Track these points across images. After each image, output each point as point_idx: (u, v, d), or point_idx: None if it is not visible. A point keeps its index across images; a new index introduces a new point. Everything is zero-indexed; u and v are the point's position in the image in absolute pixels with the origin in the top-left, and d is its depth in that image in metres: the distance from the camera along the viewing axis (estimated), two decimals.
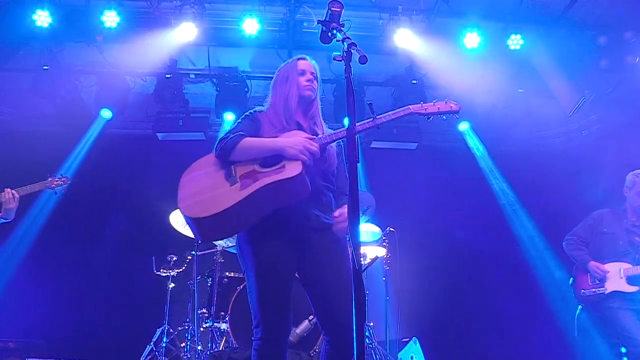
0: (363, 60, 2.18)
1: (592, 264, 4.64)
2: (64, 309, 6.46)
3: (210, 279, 5.39)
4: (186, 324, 5.28)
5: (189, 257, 5.52)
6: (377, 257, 5.52)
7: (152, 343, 5.35)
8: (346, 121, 2.28)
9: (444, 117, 2.87)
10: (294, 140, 2.68)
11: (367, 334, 4.99)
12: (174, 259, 5.54)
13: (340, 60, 2.26)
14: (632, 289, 4.48)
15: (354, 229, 2.05)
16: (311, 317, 4.65)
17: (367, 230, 5.64)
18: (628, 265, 4.54)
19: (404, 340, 5.77)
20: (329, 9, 2.44)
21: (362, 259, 3.05)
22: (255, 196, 2.58)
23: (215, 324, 5.11)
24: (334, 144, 2.84)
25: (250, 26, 5.83)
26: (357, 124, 2.71)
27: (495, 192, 7.39)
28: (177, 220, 5.46)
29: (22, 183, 4.78)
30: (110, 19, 5.71)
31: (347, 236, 2.81)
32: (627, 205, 4.75)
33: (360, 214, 3.11)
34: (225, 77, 6.77)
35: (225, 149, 2.74)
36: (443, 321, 6.87)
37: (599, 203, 5.27)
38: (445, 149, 7.60)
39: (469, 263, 7.17)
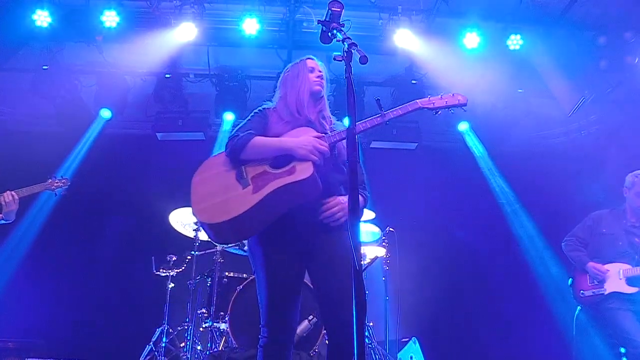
0: (364, 60, 2.18)
1: (591, 264, 4.63)
2: (63, 309, 6.46)
3: (209, 279, 5.39)
4: (186, 324, 5.27)
5: (189, 257, 5.51)
6: (376, 257, 5.52)
7: (151, 343, 5.35)
8: (346, 121, 2.28)
9: (452, 110, 2.87)
10: (304, 140, 2.67)
11: (366, 333, 4.99)
12: (174, 259, 5.53)
13: (341, 60, 2.26)
14: (631, 290, 4.48)
15: (354, 228, 2.05)
16: (311, 317, 4.65)
17: (367, 230, 5.64)
18: (627, 266, 4.53)
19: (404, 340, 5.77)
20: (329, 9, 2.45)
21: (361, 259, 3.03)
22: (268, 199, 2.59)
23: (214, 324, 5.10)
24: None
25: (250, 26, 5.83)
26: (365, 120, 2.73)
27: (494, 192, 7.39)
28: (177, 220, 5.46)
29: (21, 183, 4.78)
30: (110, 18, 5.72)
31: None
32: (627, 206, 4.75)
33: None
34: (224, 77, 6.77)
35: (235, 149, 2.74)
36: (442, 321, 6.87)
37: (598, 203, 5.27)
38: (445, 149, 7.60)
39: (469, 263, 7.17)
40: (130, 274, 6.48)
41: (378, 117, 2.73)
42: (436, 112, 2.86)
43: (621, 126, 6.57)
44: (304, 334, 4.63)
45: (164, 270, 5.53)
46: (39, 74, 6.29)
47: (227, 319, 4.89)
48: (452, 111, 2.89)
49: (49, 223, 6.65)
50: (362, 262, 3.00)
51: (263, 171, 2.68)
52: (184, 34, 5.93)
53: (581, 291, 4.69)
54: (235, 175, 2.71)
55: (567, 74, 6.35)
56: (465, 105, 2.89)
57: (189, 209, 5.30)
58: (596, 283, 4.61)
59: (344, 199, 2.71)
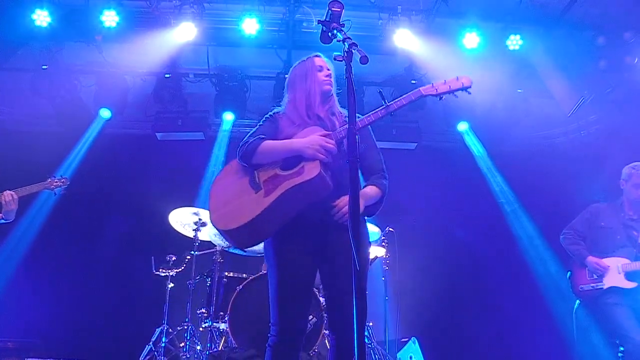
0: (364, 60, 2.18)
1: (591, 259, 4.62)
2: (63, 309, 6.45)
3: (209, 279, 5.39)
4: (185, 323, 5.27)
5: (188, 257, 5.51)
6: (376, 257, 5.52)
7: (151, 343, 5.34)
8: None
9: (456, 95, 2.78)
10: (310, 140, 2.67)
11: (366, 333, 4.99)
12: (173, 258, 5.53)
13: (341, 61, 2.26)
14: (630, 284, 4.48)
15: (354, 228, 2.05)
16: (310, 317, 4.65)
17: (368, 227, 5.63)
18: (626, 261, 4.52)
19: (403, 340, 5.77)
20: (329, 9, 2.45)
21: (369, 259, 3.02)
22: (279, 201, 2.61)
23: (214, 323, 5.10)
24: None
25: (250, 26, 5.83)
26: (370, 114, 2.71)
27: (494, 192, 7.39)
28: (177, 220, 5.46)
29: (21, 183, 4.78)
30: (110, 18, 5.72)
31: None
32: (624, 199, 4.72)
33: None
34: (224, 77, 6.77)
35: (246, 154, 2.76)
36: (442, 321, 6.87)
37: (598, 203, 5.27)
38: (445, 149, 7.60)
39: (468, 263, 7.17)
40: (129, 273, 6.48)
41: (382, 108, 2.71)
42: (440, 98, 2.79)
43: (621, 126, 6.57)
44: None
45: (164, 270, 5.53)
46: (39, 73, 6.29)
47: (226, 319, 4.89)
48: (457, 96, 2.79)
49: (49, 223, 6.64)
50: (368, 264, 2.96)
51: (274, 174, 2.70)
52: (183, 33, 5.93)
53: (580, 286, 4.69)
54: (248, 181, 2.75)
55: (566, 74, 6.36)
56: (469, 87, 2.78)
57: (189, 209, 5.37)
58: (595, 277, 4.60)
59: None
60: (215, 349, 4.99)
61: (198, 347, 5.27)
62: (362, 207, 2.73)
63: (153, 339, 5.35)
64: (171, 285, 5.56)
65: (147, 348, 5.32)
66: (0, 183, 4.35)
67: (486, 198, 7.36)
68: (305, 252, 2.72)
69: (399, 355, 5.59)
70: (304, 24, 6.12)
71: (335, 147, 2.66)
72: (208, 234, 5.46)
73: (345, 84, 2.23)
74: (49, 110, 6.69)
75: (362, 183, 2.88)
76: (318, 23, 2.46)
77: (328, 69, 2.97)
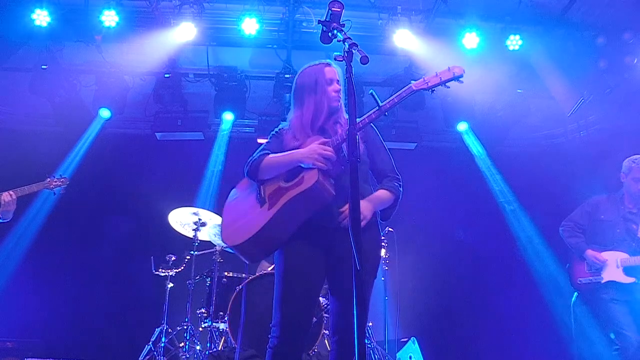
0: (364, 60, 2.18)
1: (590, 252, 4.62)
2: (62, 309, 6.45)
3: (209, 279, 5.39)
4: (185, 323, 5.27)
5: (188, 257, 5.51)
6: None
7: (150, 343, 5.34)
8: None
9: (447, 85, 2.74)
10: (308, 149, 2.69)
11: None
12: (173, 258, 5.53)
13: (341, 61, 2.26)
14: (628, 280, 4.48)
15: (355, 230, 2.05)
16: None
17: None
18: (625, 255, 4.53)
19: (403, 340, 5.77)
20: (329, 9, 2.44)
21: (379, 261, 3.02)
22: (281, 213, 2.66)
23: (214, 323, 5.10)
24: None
25: (250, 26, 5.83)
26: (364, 117, 2.71)
27: (494, 192, 7.39)
28: (176, 220, 5.46)
29: (20, 182, 4.78)
30: (109, 18, 5.71)
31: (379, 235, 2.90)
32: (624, 192, 4.71)
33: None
34: (224, 76, 6.76)
35: (251, 171, 2.82)
36: (441, 321, 6.87)
37: None
38: (444, 149, 7.61)
39: (468, 263, 7.17)
40: (129, 273, 6.48)
41: (375, 110, 2.71)
42: (432, 91, 2.75)
43: (621, 126, 6.57)
44: None
45: (163, 270, 5.53)
46: (38, 73, 6.28)
47: (226, 319, 4.89)
48: (449, 86, 2.75)
49: (48, 223, 6.64)
50: (379, 264, 2.95)
51: (277, 187, 2.75)
52: (183, 33, 5.93)
53: (578, 279, 4.69)
54: (255, 196, 2.81)
55: (566, 75, 6.35)
56: (461, 76, 2.73)
57: (188, 209, 5.38)
58: (593, 271, 4.61)
59: (363, 202, 2.70)
60: (214, 349, 4.99)
61: (198, 347, 5.27)
62: (371, 213, 2.78)
63: (153, 339, 5.35)
64: (171, 285, 5.56)
65: (147, 348, 5.32)
66: None
67: (486, 198, 7.36)
68: (314, 255, 2.74)
69: (398, 355, 5.58)
70: (304, 24, 6.12)
71: (333, 154, 2.67)
72: (207, 233, 5.46)
73: (345, 83, 2.22)
74: (48, 110, 6.68)
75: (374, 185, 2.90)
76: (318, 23, 2.46)
77: (338, 82, 2.89)
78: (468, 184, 7.34)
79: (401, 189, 2.92)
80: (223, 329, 5.07)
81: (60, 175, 5.04)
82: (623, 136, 6.27)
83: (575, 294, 4.79)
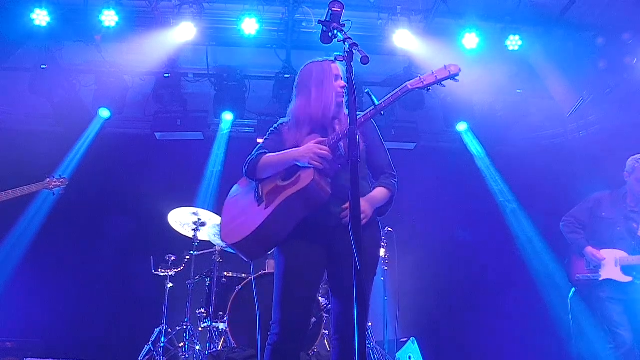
0: (365, 60, 2.18)
1: (589, 249, 4.63)
2: (62, 309, 6.44)
3: (208, 279, 5.39)
4: (184, 323, 5.27)
5: (187, 257, 5.51)
6: None
7: (150, 343, 5.33)
8: None
9: (443, 84, 2.72)
10: (305, 148, 2.70)
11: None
12: (172, 258, 5.53)
13: (342, 61, 2.26)
14: (626, 279, 4.49)
15: (355, 228, 2.05)
16: None
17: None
18: (624, 254, 4.53)
19: (402, 340, 5.77)
20: (329, 9, 2.45)
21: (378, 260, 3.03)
22: (278, 211, 2.67)
23: (213, 323, 5.10)
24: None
25: (249, 26, 5.83)
26: (359, 116, 2.70)
27: (493, 192, 7.39)
28: (176, 220, 5.46)
29: (19, 182, 4.79)
30: (109, 18, 5.71)
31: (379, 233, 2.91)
32: (627, 190, 4.71)
33: None
34: (223, 76, 6.77)
35: (249, 171, 2.83)
36: (441, 321, 6.87)
37: None
38: (444, 149, 7.61)
39: (468, 263, 7.17)
40: (128, 273, 6.47)
41: (372, 109, 2.70)
42: (427, 90, 2.73)
43: (620, 126, 6.58)
44: None
45: (163, 270, 5.52)
46: (38, 73, 6.28)
47: (226, 318, 4.89)
48: (444, 85, 2.73)
49: (48, 222, 6.63)
50: (378, 262, 2.96)
51: (275, 186, 2.76)
52: (183, 33, 5.93)
53: (576, 275, 4.70)
54: (253, 195, 2.82)
55: (565, 75, 6.36)
56: (457, 75, 2.71)
57: (188, 209, 5.37)
58: (592, 268, 4.61)
59: (363, 201, 2.70)
60: (214, 349, 4.99)
61: (197, 347, 5.27)
62: (372, 210, 2.79)
63: (152, 339, 5.34)
64: (170, 285, 5.56)
65: (146, 348, 5.31)
66: None
67: (485, 198, 7.36)
68: (313, 254, 2.75)
69: (398, 355, 5.58)
70: (304, 24, 6.12)
71: (329, 153, 2.67)
72: (207, 233, 5.46)
73: (346, 83, 2.22)
74: (48, 110, 6.68)
75: (371, 182, 2.91)
76: (319, 23, 2.46)
77: (341, 78, 2.89)
78: (467, 184, 7.34)
79: (397, 186, 2.93)
80: (222, 329, 5.07)
81: (60, 176, 5.04)
82: (623, 136, 6.28)
83: (573, 289, 4.80)
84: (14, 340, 5.74)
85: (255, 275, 4.88)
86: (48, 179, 4.85)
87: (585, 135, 7.43)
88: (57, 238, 6.71)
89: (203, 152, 7.18)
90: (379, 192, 2.86)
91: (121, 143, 7.11)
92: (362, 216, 2.69)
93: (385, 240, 5.62)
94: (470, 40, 5.95)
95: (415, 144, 7.28)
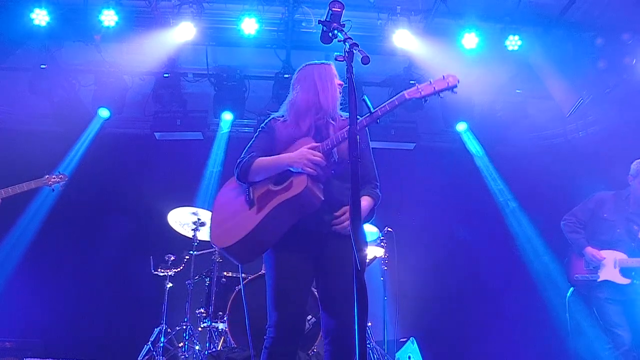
0: (365, 60, 2.18)
1: (589, 249, 4.63)
2: (61, 309, 6.44)
3: (208, 279, 5.39)
4: (184, 323, 5.27)
5: (187, 257, 5.50)
6: (375, 257, 5.53)
7: (149, 343, 5.32)
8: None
9: (441, 95, 2.72)
10: (298, 154, 2.69)
11: None
12: (172, 258, 5.52)
13: (342, 61, 2.26)
14: (624, 281, 4.50)
15: (356, 228, 2.05)
16: (309, 317, 4.65)
17: (366, 230, 5.63)
18: (623, 256, 4.54)
19: (402, 340, 5.77)
20: (329, 9, 2.44)
21: (365, 262, 3.03)
22: (269, 217, 2.66)
23: (213, 323, 5.10)
24: None
25: (249, 26, 5.83)
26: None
27: (493, 192, 7.39)
28: (175, 220, 5.46)
29: (19, 182, 4.78)
30: (109, 18, 5.71)
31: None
32: (631, 193, 4.71)
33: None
34: (223, 76, 6.77)
35: (240, 174, 2.82)
36: (440, 321, 6.87)
37: None
38: (443, 149, 7.61)
39: (467, 263, 7.17)
40: (128, 273, 6.47)
41: (368, 116, 2.70)
42: (425, 101, 2.73)
43: (619, 127, 6.59)
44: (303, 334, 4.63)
45: (162, 270, 5.52)
46: (37, 73, 6.28)
47: (225, 318, 4.88)
48: (441, 96, 2.73)
49: (47, 222, 6.63)
50: (365, 265, 2.97)
51: (266, 190, 2.75)
52: (182, 33, 5.93)
53: (575, 274, 4.70)
54: (244, 198, 2.81)
55: (565, 75, 6.37)
56: (455, 87, 2.72)
57: (187, 209, 5.37)
58: (591, 268, 4.62)
59: None
60: (214, 349, 4.99)
61: (197, 347, 5.26)
62: (363, 217, 2.76)
63: (152, 339, 5.34)
64: (170, 285, 5.55)
65: (146, 348, 5.31)
66: None
67: (485, 198, 7.36)
68: (303, 255, 2.75)
69: (397, 355, 5.58)
70: (303, 24, 6.12)
71: (323, 159, 2.67)
72: (207, 233, 5.45)
73: (347, 84, 2.23)
74: (47, 110, 6.68)
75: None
76: (319, 23, 2.46)
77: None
78: (467, 184, 7.35)
79: (380, 198, 2.93)
80: (222, 329, 5.06)
81: (59, 172, 5.03)
82: (622, 136, 6.29)
83: (571, 289, 4.81)
84: (13, 340, 5.73)
85: (253, 276, 4.90)
86: (47, 176, 4.84)
87: (585, 135, 7.44)
88: (56, 238, 6.71)
89: (203, 152, 7.18)
90: (365, 200, 2.84)
91: (121, 143, 7.11)
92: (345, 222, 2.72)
93: (384, 240, 5.63)
94: (470, 40, 5.95)
95: (414, 144, 7.29)
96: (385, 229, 5.64)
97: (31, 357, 5.50)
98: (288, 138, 2.83)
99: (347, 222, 2.70)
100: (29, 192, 5.00)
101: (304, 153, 2.67)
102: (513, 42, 6.04)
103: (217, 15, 6.09)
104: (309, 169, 2.64)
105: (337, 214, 2.73)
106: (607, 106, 6.64)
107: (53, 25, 5.76)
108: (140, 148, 7.20)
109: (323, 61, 2.98)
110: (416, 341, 5.59)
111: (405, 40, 6.01)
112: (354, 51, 2.22)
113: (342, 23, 2.45)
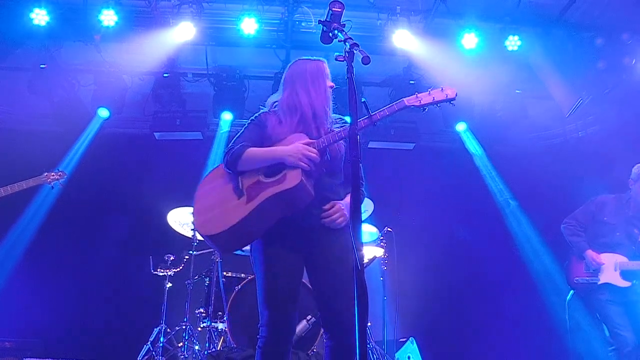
0: (366, 60, 2.18)
1: (590, 253, 4.63)
2: (61, 309, 6.44)
3: (207, 279, 5.39)
4: (184, 323, 5.27)
5: (187, 257, 5.50)
6: (374, 257, 5.53)
7: (149, 343, 5.33)
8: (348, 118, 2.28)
9: (438, 106, 2.76)
10: (293, 148, 2.69)
11: None
12: (172, 258, 5.52)
13: (342, 61, 2.26)
14: (625, 284, 4.50)
15: (356, 228, 2.06)
16: (309, 317, 4.66)
17: (365, 230, 5.64)
18: (623, 259, 4.54)
19: (401, 340, 5.77)
20: (329, 9, 2.45)
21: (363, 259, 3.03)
22: (260, 208, 2.64)
23: (212, 323, 5.10)
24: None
25: (249, 26, 5.83)
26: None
27: (492, 192, 7.40)
28: (175, 220, 5.46)
29: (18, 181, 4.78)
30: (108, 17, 5.70)
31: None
32: (631, 197, 4.72)
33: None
34: (223, 76, 6.77)
35: (230, 162, 2.78)
36: (440, 321, 6.87)
37: None
38: (443, 149, 7.61)
39: (467, 263, 7.17)
40: (128, 273, 6.47)
41: (366, 119, 2.70)
42: (423, 110, 2.76)
43: (619, 127, 6.59)
44: (302, 334, 4.64)
45: (162, 270, 5.52)
46: (37, 72, 6.27)
47: (225, 318, 4.89)
48: (439, 106, 2.76)
49: (47, 222, 6.63)
50: (364, 263, 2.97)
51: (257, 181, 2.73)
52: (182, 33, 5.92)
53: (575, 277, 4.70)
54: (232, 187, 2.77)
55: (565, 75, 6.37)
56: (453, 99, 2.75)
57: (187, 209, 5.37)
58: (591, 271, 4.62)
59: (343, 203, 2.77)
60: (213, 349, 4.98)
61: (196, 347, 5.26)
62: (348, 215, 2.76)
63: (151, 339, 5.34)
64: (169, 285, 5.55)
65: (145, 348, 5.31)
66: None
67: (484, 198, 7.37)
68: (291, 252, 2.74)
69: (397, 355, 5.59)
70: (303, 24, 6.10)
71: (317, 156, 2.67)
72: None
73: (345, 83, 2.23)
74: (47, 110, 6.67)
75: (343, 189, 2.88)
76: (319, 23, 2.46)
77: (329, 81, 2.96)
78: (467, 184, 7.35)
79: (365, 195, 2.93)
80: (222, 329, 5.07)
81: (58, 169, 5.02)
82: (621, 136, 6.29)
83: (571, 292, 4.81)
84: (13, 340, 5.73)
85: (253, 276, 4.89)
86: (46, 173, 4.84)
87: (584, 135, 7.44)
88: (56, 238, 6.71)
89: (202, 152, 7.17)
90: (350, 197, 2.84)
91: (120, 143, 7.11)
92: (342, 219, 2.74)
93: (384, 240, 5.63)
94: (470, 40, 5.95)
95: (414, 144, 7.28)
96: (385, 228, 5.64)
97: (31, 357, 5.50)
98: (278, 133, 2.82)
99: (336, 216, 2.72)
100: (29, 191, 5.00)
101: (299, 148, 2.67)
102: (513, 42, 6.04)
103: (216, 15, 6.09)
104: (303, 164, 2.64)
105: (325, 207, 2.73)
106: (606, 106, 6.64)
107: (53, 25, 5.75)
108: (139, 148, 7.20)
109: (316, 57, 2.97)
110: (416, 341, 5.60)
111: (405, 40, 6.01)
112: (355, 51, 2.23)
113: (342, 23, 2.45)
